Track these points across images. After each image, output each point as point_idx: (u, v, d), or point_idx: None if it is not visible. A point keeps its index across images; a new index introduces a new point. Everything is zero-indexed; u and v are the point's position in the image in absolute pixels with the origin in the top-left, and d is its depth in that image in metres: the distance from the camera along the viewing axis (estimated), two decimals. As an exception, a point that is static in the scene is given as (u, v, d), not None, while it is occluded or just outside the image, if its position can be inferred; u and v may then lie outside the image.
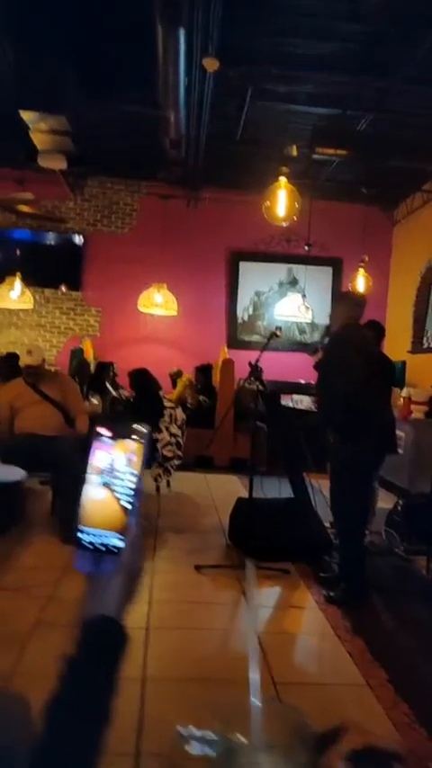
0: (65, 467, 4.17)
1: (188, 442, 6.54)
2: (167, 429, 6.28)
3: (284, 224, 5.82)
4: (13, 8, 4.72)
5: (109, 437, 0.79)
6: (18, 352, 6.83)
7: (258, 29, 4.99)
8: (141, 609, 3.22)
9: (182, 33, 4.62)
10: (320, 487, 4.98)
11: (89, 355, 8.48)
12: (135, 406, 6.44)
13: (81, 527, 0.78)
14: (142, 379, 6.46)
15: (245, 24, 4.90)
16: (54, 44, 4.84)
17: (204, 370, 8.59)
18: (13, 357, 6.73)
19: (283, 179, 5.60)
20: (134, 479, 0.78)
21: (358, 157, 6.47)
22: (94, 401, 6.46)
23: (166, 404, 6.64)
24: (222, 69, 5.23)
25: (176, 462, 6.31)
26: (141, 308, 8.65)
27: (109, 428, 0.80)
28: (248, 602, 3.53)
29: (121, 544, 0.78)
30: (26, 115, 5.48)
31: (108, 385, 7.30)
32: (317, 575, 4.02)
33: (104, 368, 7.76)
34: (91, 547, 0.78)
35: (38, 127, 5.85)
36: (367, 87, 5.63)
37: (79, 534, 0.78)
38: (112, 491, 0.78)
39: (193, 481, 6.82)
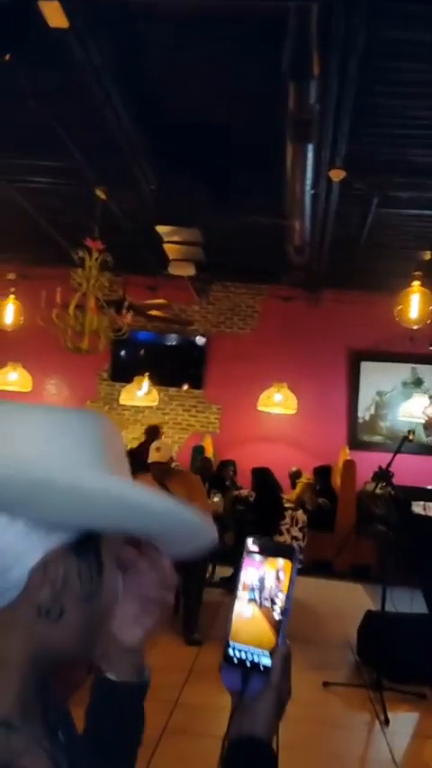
0: (191, 567, 4.14)
1: (306, 545, 6.33)
2: (288, 531, 6.15)
3: (416, 327, 5.77)
4: (154, 140, 5.23)
5: (258, 553, 0.79)
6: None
7: (382, 140, 5.18)
8: (269, 725, 3.03)
9: (310, 148, 4.89)
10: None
11: (209, 452, 8.58)
12: (256, 506, 6.38)
13: (229, 642, 0.77)
14: (264, 478, 6.42)
15: (369, 136, 5.11)
16: (191, 168, 5.26)
17: (323, 472, 8.40)
18: (138, 453, 6.92)
19: (416, 283, 5.61)
20: (282, 597, 0.77)
21: None
22: (216, 499, 6.46)
23: (287, 505, 6.52)
24: (347, 179, 5.44)
25: (298, 567, 6.09)
26: (261, 408, 8.72)
27: (258, 543, 0.80)
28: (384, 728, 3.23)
29: (269, 663, 0.76)
30: (162, 229, 5.92)
31: (229, 484, 7.31)
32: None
33: (226, 466, 7.80)
34: (238, 663, 0.77)
35: (171, 239, 6.29)
36: None
37: (228, 650, 0.77)
38: (261, 608, 0.77)
39: (313, 588, 6.51)
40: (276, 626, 0.77)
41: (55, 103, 4.69)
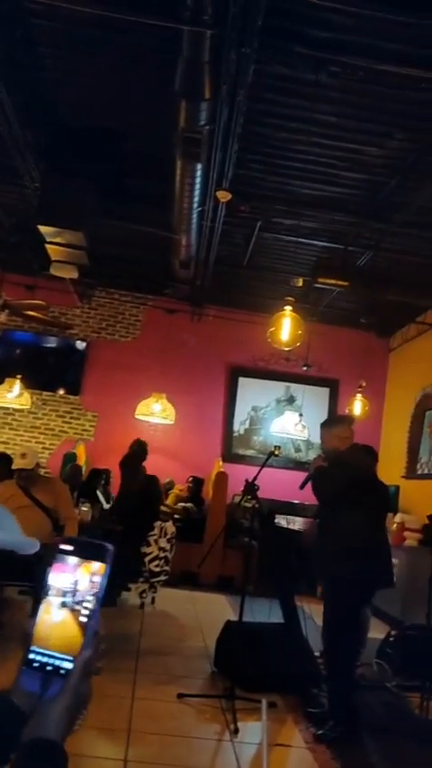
0: (50, 577, 4.03)
1: (174, 556, 6.38)
2: (156, 542, 6.15)
3: (287, 349, 6.02)
4: (42, 137, 5.13)
5: (73, 556, 0.79)
6: (11, 454, 6.80)
7: (267, 168, 5.39)
8: (120, 739, 3.02)
9: (199, 167, 4.99)
10: (311, 613, 4.82)
11: (81, 460, 8.42)
12: (129, 514, 6.31)
13: (32, 647, 0.77)
14: (150, 488, 6.39)
15: (255, 163, 5.30)
16: (78, 170, 5.20)
17: (195, 482, 8.57)
18: (4, 458, 6.68)
19: (288, 308, 5.87)
20: (93, 601, 0.78)
21: (357, 289, 6.78)
22: (84, 508, 6.35)
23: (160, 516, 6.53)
24: (234, 201, 5.60)
25: (163, 578, 6.12)
26: (139, 416, 8.69)
27: (75, 546, 0.80)
28: (234, 738, 3.31)
29: (69, 666, 0.77)
30: (45, 229, 5.77)
31: (99, 493, 7.21)
32: (305, 709, 3.80)
33: (98, 475, 7.68)
34: (39, 667, 0.77)
35: (54, 240, 6.14)
36: (367, 228, 6.00)
37: (29, 655, 0.77)
38: (72, 613, 0.78)
39: (178, 599, 6.58)
40: (83, 628, 0.77)
41: None
